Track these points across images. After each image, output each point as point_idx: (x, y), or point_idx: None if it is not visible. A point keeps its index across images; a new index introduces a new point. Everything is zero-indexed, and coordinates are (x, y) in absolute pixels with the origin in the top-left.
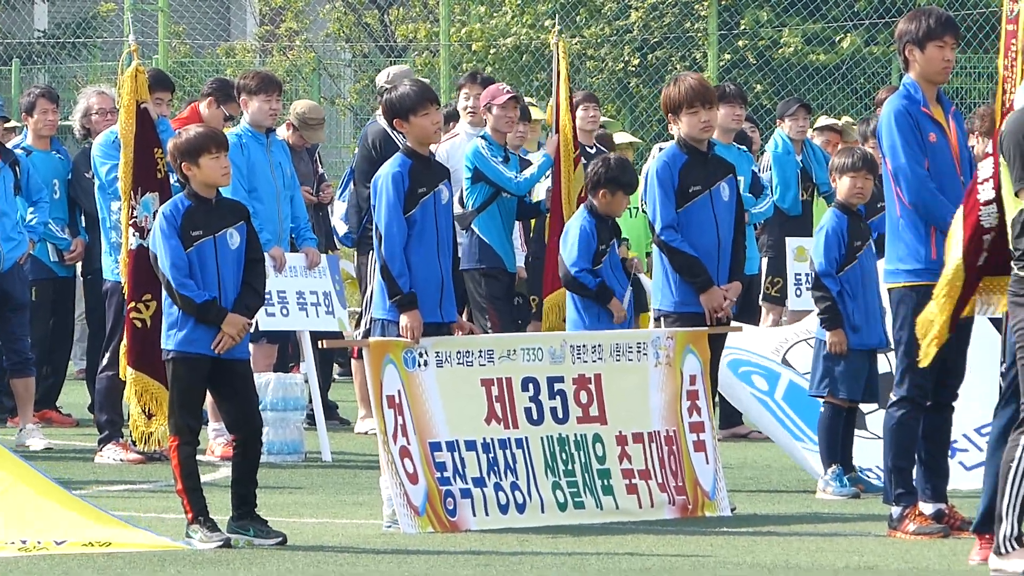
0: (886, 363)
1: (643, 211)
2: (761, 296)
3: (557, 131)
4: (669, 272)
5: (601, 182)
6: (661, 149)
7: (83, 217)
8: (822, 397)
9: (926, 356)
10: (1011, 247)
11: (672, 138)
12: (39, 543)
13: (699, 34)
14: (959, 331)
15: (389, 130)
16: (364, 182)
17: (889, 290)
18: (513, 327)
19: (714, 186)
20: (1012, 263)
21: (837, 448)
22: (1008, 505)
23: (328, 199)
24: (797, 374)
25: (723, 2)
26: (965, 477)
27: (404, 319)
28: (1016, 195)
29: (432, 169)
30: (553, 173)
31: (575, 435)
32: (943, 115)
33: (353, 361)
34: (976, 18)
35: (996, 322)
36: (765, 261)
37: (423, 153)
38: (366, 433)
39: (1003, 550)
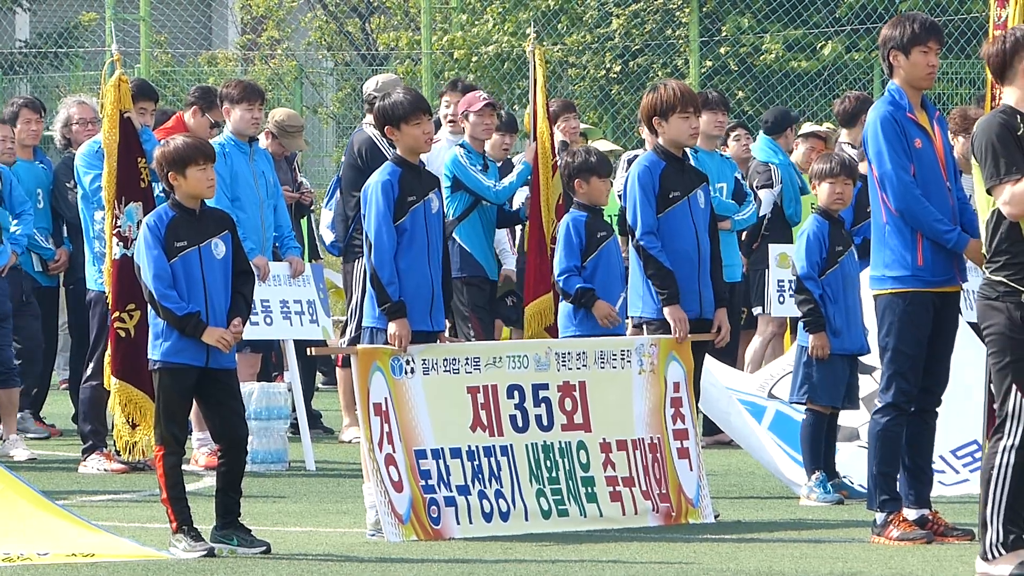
0: (872, 383)
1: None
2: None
3: (535, 138)
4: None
5: (572, 174)
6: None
7: (65, 227)
8: (802, 404)
9: None
10: (983, 250)
11: (642, 145)
12: (22, 555)
13: (680, 41)
14: (943, 337)
15: (375, 139)
16: (350, 190)
17: (875, 297)
18: (495, 335)
19: (691, 193)
20: (983, 266)
21: (820, 455)
22: (992, 511)
23: (308, 200)
24: (784, 403)
25: (704, 9)
26: (946, 491)
27: (392, 327)
28: (988, 193)
29: (422, 178)
30: (531, 180)
31: (559, 442)
32: (928, 121)
33: (338, 370)
34: (957, 24)
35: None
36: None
37: (413, 162)
38: (350, 442)
39: (990, 556)
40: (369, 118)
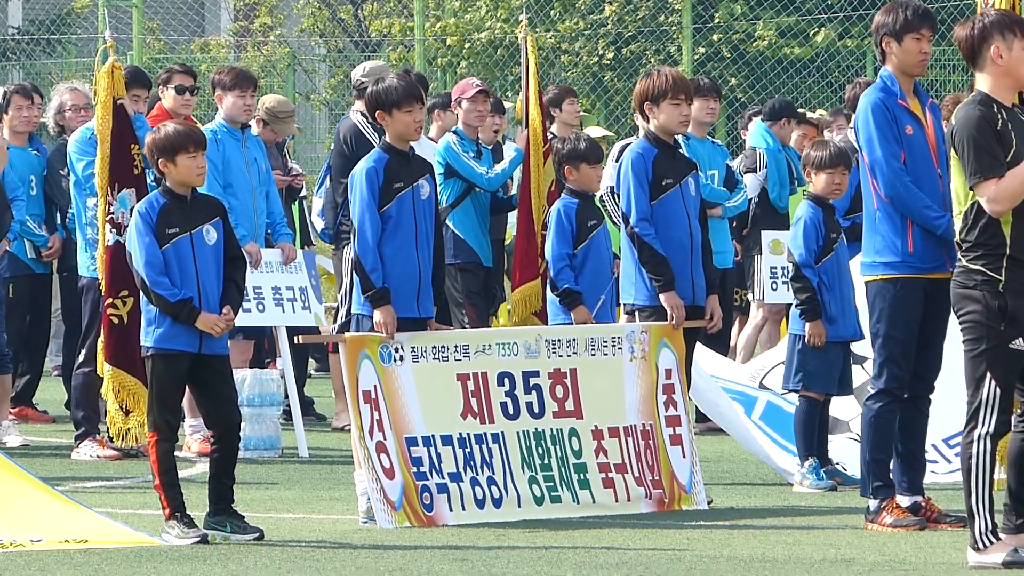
0: (863, 373)
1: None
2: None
3: (527, 125)
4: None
5: (562, 161)
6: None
7: (58, 214)
8: (796, 391)
9: None
10: (958, 239)
11: (635, 132)
12: (15, 541)
13: (673, 28)
14: (934, 323)
15: (360, 125)
16: (339, 177)
17: (866, 283)
18: (489, 321)
19: (683, 180)
20: (960, 255)
21: (813, 441)
22: (977, 501)
23: (300, 185)
24: (776, 395)
25: None
26: (939, 479)
27: (377, 315)
28: (971, 189)
29: (411, 164)
30: (523, 167)
31: (551, 429)
32: (920, 107)
33: (331, 355)
34: (950, 10)
35: None
36: (759, 260)
37: (402, 148)
38: (344, 428)
39: (980, 545)
40: (358, 104)
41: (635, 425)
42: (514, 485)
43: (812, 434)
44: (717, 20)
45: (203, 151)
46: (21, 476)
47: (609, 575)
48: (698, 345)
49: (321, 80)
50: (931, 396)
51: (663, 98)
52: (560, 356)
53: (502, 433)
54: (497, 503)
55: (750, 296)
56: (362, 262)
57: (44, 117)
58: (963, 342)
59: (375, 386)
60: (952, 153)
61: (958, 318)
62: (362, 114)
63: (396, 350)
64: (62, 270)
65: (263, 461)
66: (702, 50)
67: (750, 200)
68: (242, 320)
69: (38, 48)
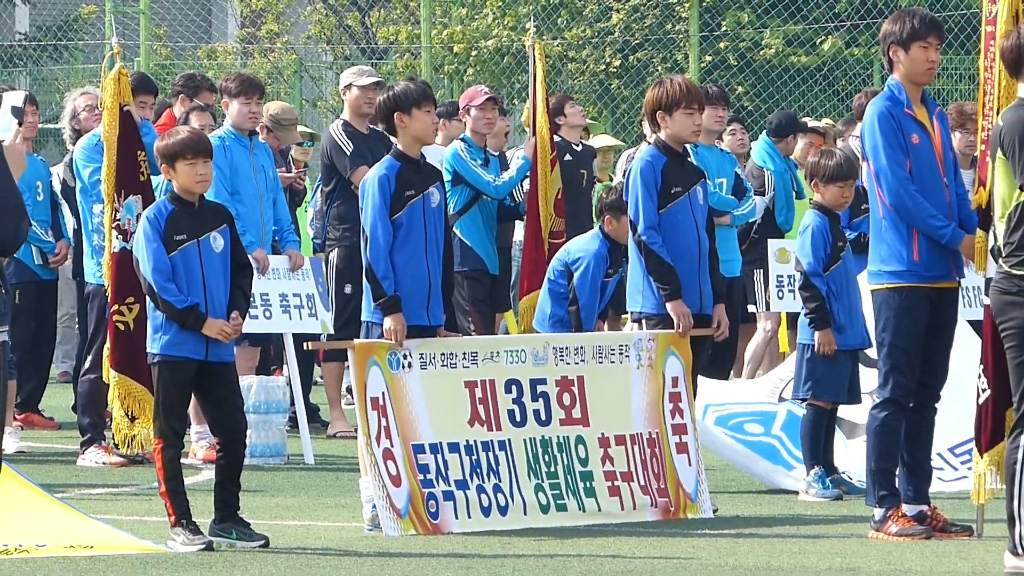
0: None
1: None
2: (765, 306)
3: (535, 133)
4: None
5: (604, 210)
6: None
7: (76, 220)
8: (805, 400)
9: None
10: (1002, 242)
11: (641, 140)
12: (20, 547)
13: (680, 36)
14: (941, 332)
15: (335, 135)
16: (322, 186)
17: (872, 292)
18: (495, 328)
19: (691, 189)
20: (1001, 260)
21: (820, 450)
22: (1019, 505)
23: (301, 185)
24: (795, 403)
25: (704, 4)
26: (945, 487)
27: (387, 322)
28: (1020, 188)
29: (422, 172)
30: (530, 175)
31: (558, 437)
32: (927, 116)
33: (324, 364)
34: (957, 19)
35: (976, 327)
36: (761, 273)
37: (413, 156)
38: (335, 435)
39: (1019, 550)
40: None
41: (641, 433)
42: (520, 493)
43: (819, 443)
44: (724, 28)
45: (205, 159)
46: (23, 485)
47: None
48: (700, 379)
49: (328, 87)
50: (937, 405)
51: (676, 107)
52: (567, 364)
53: (509, 440)
54: (503, 511)
55: (752, 308)
56: (374, 269)
57: (59, 125)
58: (1007, 349)
59: (383, 393)
60: (999, 155)
61: (1000, 326)
62: (343, 122)
63: (404, 357)
64: (76, 275)
65: (269, 468)
66: (709, 58)
67: (755, 222)
68: (249, 327)
69: (45, 54)
